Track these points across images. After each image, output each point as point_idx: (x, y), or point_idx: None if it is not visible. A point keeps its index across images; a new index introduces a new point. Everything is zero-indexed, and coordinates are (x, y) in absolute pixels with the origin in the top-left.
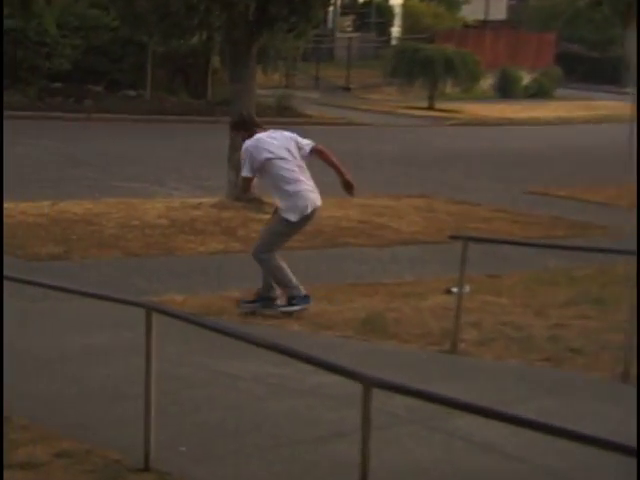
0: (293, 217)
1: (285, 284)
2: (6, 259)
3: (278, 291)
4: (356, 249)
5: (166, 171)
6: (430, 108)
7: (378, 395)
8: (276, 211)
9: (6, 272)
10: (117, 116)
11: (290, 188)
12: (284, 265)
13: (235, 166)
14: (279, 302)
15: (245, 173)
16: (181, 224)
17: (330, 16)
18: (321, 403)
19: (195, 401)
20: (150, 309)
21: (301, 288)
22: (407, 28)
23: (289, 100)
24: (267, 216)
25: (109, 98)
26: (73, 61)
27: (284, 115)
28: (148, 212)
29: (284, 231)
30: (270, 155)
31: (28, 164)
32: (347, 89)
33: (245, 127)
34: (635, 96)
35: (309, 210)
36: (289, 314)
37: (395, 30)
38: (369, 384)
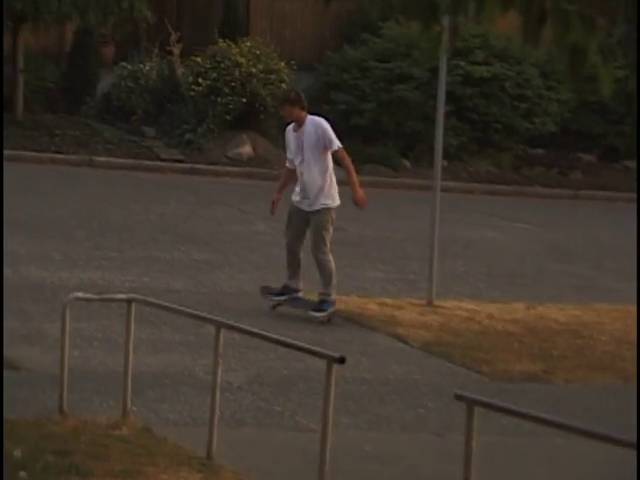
0: (337, 201)
1: (330, 287)
2: (469, 376)
3: (301, 284)
4: None
5: None
6: None
7: None
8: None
9: (470, 393)
10: (613, 194)
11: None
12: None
13: None
14: (301, 294)
15: (339, 144)
16: None
17: None
18: None
19: None
20: None
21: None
22: None
23: None
24: None
25: (604, 170)
26: (559, 121)
27: None
28: None
29: (331, 220)
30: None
31: (497, 253)
32: None
33: (302, 105)
34: None
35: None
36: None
37: None
38: None
